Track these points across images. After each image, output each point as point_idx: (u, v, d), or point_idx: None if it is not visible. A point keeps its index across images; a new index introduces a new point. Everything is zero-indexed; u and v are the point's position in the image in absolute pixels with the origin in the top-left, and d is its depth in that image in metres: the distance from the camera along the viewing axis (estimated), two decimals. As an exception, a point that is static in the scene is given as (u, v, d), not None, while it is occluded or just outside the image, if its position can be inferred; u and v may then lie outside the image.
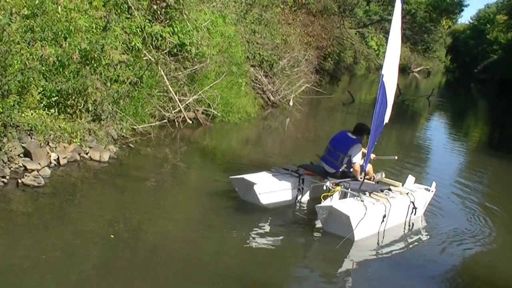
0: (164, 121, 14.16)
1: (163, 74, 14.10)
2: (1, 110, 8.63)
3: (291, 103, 22.44)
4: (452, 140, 23.20)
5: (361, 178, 9.41)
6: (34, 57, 9.47)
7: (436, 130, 25.65)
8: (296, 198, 9.61)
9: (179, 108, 14.78)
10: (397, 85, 40.39)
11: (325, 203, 8.68)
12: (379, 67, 60.82)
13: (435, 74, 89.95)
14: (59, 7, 10.54)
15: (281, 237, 8.50)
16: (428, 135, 23.38)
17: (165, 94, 14.59)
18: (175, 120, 14.64)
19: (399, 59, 9.95)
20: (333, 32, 36.92)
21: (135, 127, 12.64)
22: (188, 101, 15.21)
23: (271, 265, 7.49)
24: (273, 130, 19.21)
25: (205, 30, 15.30)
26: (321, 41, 32.31)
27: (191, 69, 15.34)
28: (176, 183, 10.79)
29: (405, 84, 45.12)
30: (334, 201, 8.95)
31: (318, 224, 8.80)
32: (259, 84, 21.43)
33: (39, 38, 9.86)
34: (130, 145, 11.85)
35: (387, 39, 10.85)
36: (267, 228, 8.72)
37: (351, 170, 9.51)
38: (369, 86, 48.92)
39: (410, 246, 8.91)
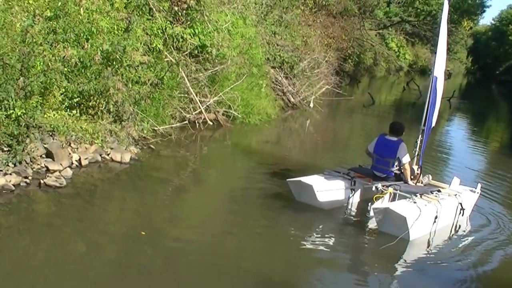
0: (185, 122, 14.17)
1: (184, 75, 14.12)
2: (24, 111, 8.68)
3: (311, 105, 22.39)
4: (473, 142, 23.00)
5: (411, 180, 9.75)
6: (57, 58, 9.52)
7: (457, 132, 25.45)
8: (348, 198, 9.81)
9: (199, 110, 14.79)
10: (418, 86, 40.09)
11: (380, 204, 8.95)
12: (399, 69, 61.05)
13: (456, 75, 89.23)
14: (81, 9, 10.60)
15: (333, 238, 8.66)
16: (449, 137, 23.18)
17: (186, 95, 14.61)
18: (196, 122, 14.65)
19: (445, 62, 10.42)
20: (353, 33, 36.79)
21: (156, 128, 12.65)
22: (209, 103, 15.22)
23: (320, 265, 7.67)
24: (293, 132, 19.18)
25: (225, 32, 15.28)
26: (341, 42, 32.22)
27: (211, 70, 15.34)
28: (197, 185, 10.80)
29: (426, 86, 44.71)
30: (390, 203, 9.15)
31: (371, 224, 9.12)
32: (279, 86, 21.39)
33: (61, 40, 9.92)
34: (151, 146, 11.87)
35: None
36: (302, 229, 8.85)
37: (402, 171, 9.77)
38: (389, 88, 48.70)
39: (460, 247, 9.00)
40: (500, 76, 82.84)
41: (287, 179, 9.72)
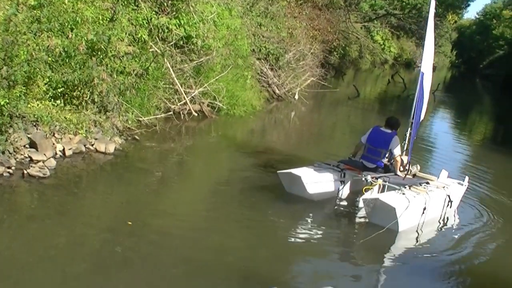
0: (170, 113, 14.12)
1: (169, 66, 14.06)
2: (7, 101, 8.59)
3: (296, 97, 22.41)
4: (457, 134, 23.17)
5: (401, 171, 9.91)
6: (41, 48, 9.44)
7: (441, 125, 25.59)
8: (338, 190, 9.92)
9: (184, 101, 14.75)
10: (402, 79, 40.30)
11: (369, 195, 9.13)
12: (384, 62, 61.26)
13: (440, 69, 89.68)
14: (66, -2, 10.53)
15: (322, 230, 8.71)
16: (434, 129, 23.30)
17: (171, 86, 14.56)
18: (181, 113, 14.61)
19: (433, 57, 10.72)
20: (338, 26, 36.82)
21: (140, 119, 12.60)
22: (194, 94, 15.18)
23: (308, 258, 7.69)
24: (278, 124, 19.20)
25: (211, 23, 15.23)
26: (327, 35, 32.22)
27: (197, 61, 15.30)
28: (182, 176, 10.79)
29: (410, 79, 44.93)
30: (379, 194, 9.29)
31: (361, 215, 9.26)
32: (265, 77, 21.39)
33: (45, 29, 9.81)
34: (136, 137, 11.83)
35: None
36: (291, 221, 8.89)
37: (393, 163, 9.94)
38: (374, 81, 48.89)
39: (448, 238, 9.14)
40: (484, 70, 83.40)
41: (278, 171, 9.75)
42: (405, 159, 10.17)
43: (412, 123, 10.23)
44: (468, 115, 33.32)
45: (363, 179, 9.56)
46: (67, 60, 10.53)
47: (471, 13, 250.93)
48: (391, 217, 8.45)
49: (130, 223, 7.49)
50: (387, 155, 9.85)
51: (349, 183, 10.07)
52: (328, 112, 24.72)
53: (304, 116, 21.44)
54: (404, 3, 52.37)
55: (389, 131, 9.87)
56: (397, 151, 9.76)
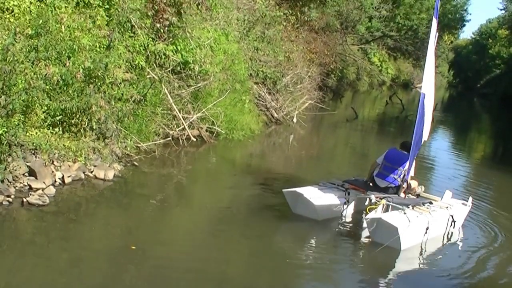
0: (168, 139, 14.12)
1: (166, 92, 14.11)
2: (6, 130, 8.62)
3: (294, 120, 22.44)
4: (456, 153, 23.18)
5: (404, 191, 10.10)
6: (38, 76, 9.49)
7: (440, 145, 25.59)
8: (342, 209, 10.01)
9: (183, 126, 14.77)
10: (400, 100, 40.39)
11: (373, 215, 9.20)
12: (382, 83, 61.39)
13: (438, 89, 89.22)
14: (63, 27, 10.60)
15: (326, 249, 8.87)
16: (433, 149, 23.32)
17: (169, 112, 14.58)
18: (179, 138, 14.61)
19: (434, 78, 10.90)
20: (335, 48, 36.93)
21: (139, 145, 12.60)
22: (192, 119, 15.20)
23: (311, 277, 7.77)
24: (277, 147, 19.21)
25: (208, 48, 15.33)
26: (324, 57, 32.33)
27: (194, 86, 15.35)
28: (182, 201, 10.78)
29: (408, 100, 45.10)
30: (382, 214, 9.41)
31: (364, 235, 9.37)
32: (263, 101, 21.44)
33: (43, 57, 9.88)
34: (135, 163, 11.82)
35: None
36: (294, 241, 9.00)
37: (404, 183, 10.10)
38: (372, 102, 48.98)
39: (452, 257, 9.21)
40: (481, 89, 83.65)
41: (283, 189, 9.83)
42: (413, 183, 10.34)
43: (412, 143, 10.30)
44: (468, 134, 33.38)
45: (367, 198, 9.67)
46: (65, 88, 10.56)
47: (467, 33, 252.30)
48: (394, 236, 8.52)
49: (133, 247, 7.48)
50: (402, 175, 9.97)
51: (353, 202, 10.18)
52: (326, 135, 24.74)
53: (303, 139, 21.43)
54: (400, 25, 52.56)
55: (406, 153, 10.07)
56: (412, 172, 10.01)
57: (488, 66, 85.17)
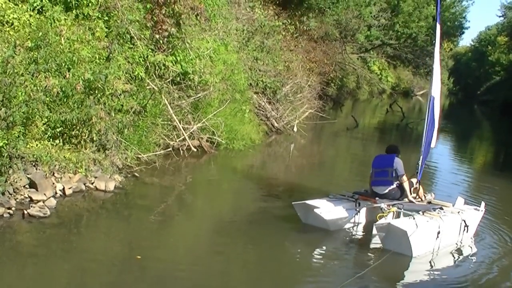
0: (169, 149, 14.13)
1: (166, 102, 14.13)
2: (6, 142, 8.63)
3: (295, 129, 22.43)
4: (460, 160, 23.16)
5: (412, 193, 10.12)
6: (38, 88, 9.51)
7: (441, 152, 25.56)
8: (353, 219, 10.04)
9: (183, 137, 14.77)
10: (401, 108, 40.31)
11: (382, 221, 9.18)
12: (382, 91, 61.42)
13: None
14: (62, 39, 10.64)
15: (337, 259, 8.80)
16: (434, 157, 23.31)
17: (169, 122, 14.59)
18: (180, 149, 14.62)
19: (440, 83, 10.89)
20: (335, 57, 36.97)
21: (139, 156, 12.61)
22: (192, 129, 15.21)
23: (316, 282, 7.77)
24: (278, 157, 19.19)
25: (207, 58, 15.37)
26: (324, 66, 32.35)
27: (194, 97, 15.36)
28: (183, 212, 10.76)
29: (409, 108, 45.10)
30: (392, 219, 9.40)
31: (375, 244, 9.34)
32: (263, 111, 21.45)
33: (42, 70, 9.92)
34: (135, 174, 11.83)
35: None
36: (305, 250, 9.03)
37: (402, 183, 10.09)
38: (372, 111, 48.95)
39: (465, 264, 9.20)
40: (482, 96, 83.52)
41: (293, 202, 9.86)
42: (414, 181, 10.33)
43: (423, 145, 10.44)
44: (469, 141, 33.34)
45: (379, 207, 9.70)
46: (65, 100, 10.59)
47: (467, 40, 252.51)
48: (404, 241, 8.54)
49: (139, 257, 7.48)
50: (394, 175, 9.97)
51: (364, 212, 10.20)
52: (327, 144, 24.70)
53: (304, 148, 21.43)
54: (399, 33, 52.60)
55: (389, 154, 10.24)
56: (401, 170, 9.94)
57: (488, 73, 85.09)
